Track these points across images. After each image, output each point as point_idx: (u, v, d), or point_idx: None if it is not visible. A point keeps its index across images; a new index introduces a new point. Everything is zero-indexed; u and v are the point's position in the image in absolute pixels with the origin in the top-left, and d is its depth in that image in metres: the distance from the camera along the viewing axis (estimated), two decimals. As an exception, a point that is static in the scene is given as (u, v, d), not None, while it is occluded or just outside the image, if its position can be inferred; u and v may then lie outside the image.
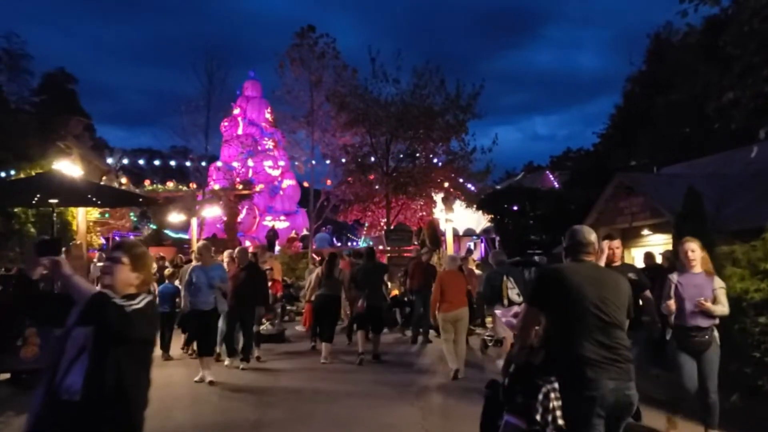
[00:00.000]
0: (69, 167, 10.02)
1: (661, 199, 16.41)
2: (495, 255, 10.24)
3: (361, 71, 21.16)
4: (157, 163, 27.58)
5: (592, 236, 3.77)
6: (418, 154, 21.17)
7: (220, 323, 9.77)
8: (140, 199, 11.75)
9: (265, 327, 12.23)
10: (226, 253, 11.16)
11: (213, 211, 22.75)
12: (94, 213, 13.33)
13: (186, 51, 29.27)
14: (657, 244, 17.36)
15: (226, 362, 10.03)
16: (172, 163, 26.45)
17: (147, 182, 25.69)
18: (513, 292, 8.76)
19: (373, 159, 21.05)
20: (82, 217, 10.85)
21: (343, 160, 21.99)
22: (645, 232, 17.81)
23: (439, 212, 20.66)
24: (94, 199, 8.99)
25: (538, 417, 3.84)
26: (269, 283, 12.10)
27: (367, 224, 24.29)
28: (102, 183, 11.09)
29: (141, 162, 27.37)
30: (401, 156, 21.29)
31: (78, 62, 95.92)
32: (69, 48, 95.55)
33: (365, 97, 20.30)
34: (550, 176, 39.75)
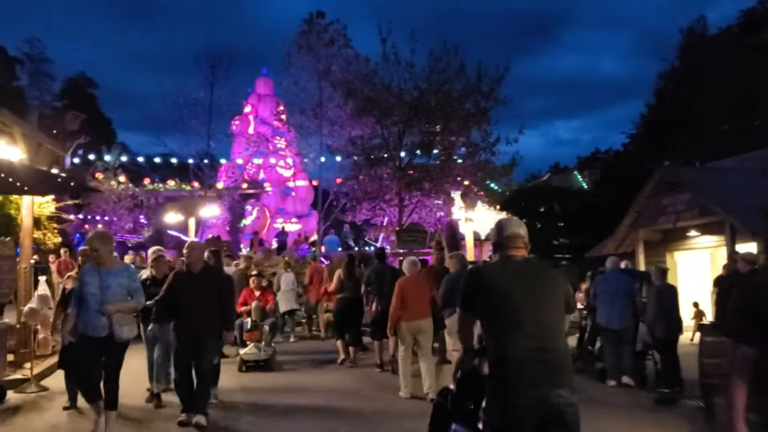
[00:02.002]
0: (5, 149, 8.28)
1: (712, 196, 15.01)
2: (458, 259, 9.30)
3: (373, 59, 19.34)
4: (157, 160, 26.04)
5: (522, 230, 3.55)
6: (434, 148, 19.13)
7: (156, 353, 7.49)
8: (72, 184, 9.78)
9: (249, 350, 9.95)
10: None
11: (212, 211, 21.06)
12: (50, 206, 11.43)
13: (202, 56, 28.79)
14: (706, 246, 16.09)
15: (181, 417, 6.62)
16: (174, 160, 24.90)
17: (147, 180, 24.21)
18: None
19: (384, 153, 19.06)
20: (27, 210, 9.00)
21: (355, 158, 20.06)
22: (692, 233, 16.32)
23: (457, 211, 18.68)
24: (18, 184, 7.20)
25: (480, 425, 3.57)
26: (257, 294, 10.55)
27: (385, 223, 22.22)
28: (55, 171, 9.28)
29: (140, 159, 25.79)
30: (415, 149, 19.27)
31: (98, 68, 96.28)
32: (89, 54, 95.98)
33: (374, 82, 18.36)
34: (579, 177, 38.46)
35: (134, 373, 7.71)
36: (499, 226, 3.59)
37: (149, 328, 7.18)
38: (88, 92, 52.16)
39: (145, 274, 8.15)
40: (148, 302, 6.95)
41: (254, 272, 11.06)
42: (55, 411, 7.25)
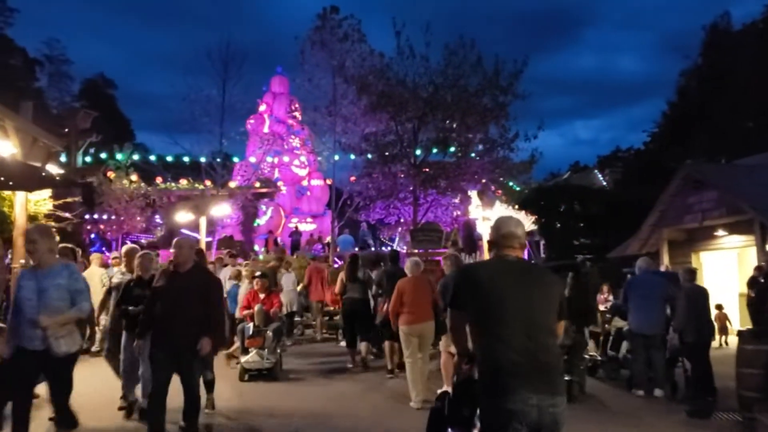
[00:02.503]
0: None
1: (740, 194, 14.45)
2: (454, 260, 8.91)
3: (387, 55, 18.77)
4: (170, 159, 25.72)
5: (519, 229, 3.42)
6: (450, 144, 18.52)
7: (141, 367, 6.55)
8: (58, 180, 9.35)
9: (251, 357, 9.21)
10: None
11: (223, 210, 20.61)
12: (47, 204, 11.00)
13: (215, 52, 28.53)
14: (733, 246, 15.57)
15: None
16: (186, 159, 24.54)
17: (159, 179, 23.90)
18: None
19: (398, 150, 18.49)
20: (21, 207, 8.60)
21: (369, 156, 19.51)
22: (719, 232, 15.75)
23: (474, 209, 18.10)
24: (2, 179, 6.78)
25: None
26: (262, 296, 9.76)
27: (401, 220, 21.65)
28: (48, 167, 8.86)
29: (152, 158, 25.47)
30: (431, 145, 18.69)
31: (115, 68, 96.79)
32: (106, 55, 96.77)
33: (388, 77, 17.81)
34: (599, 176, 37.87)
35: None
36: (496, 223, 3.53)
37: (134, 343, 6.19)
38: (107, 93, 52.75)
39: (117, 276, 7.77)
40: (131, 307, 6.48)
41: (257, 273, 10.38)
42: None
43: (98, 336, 9.81)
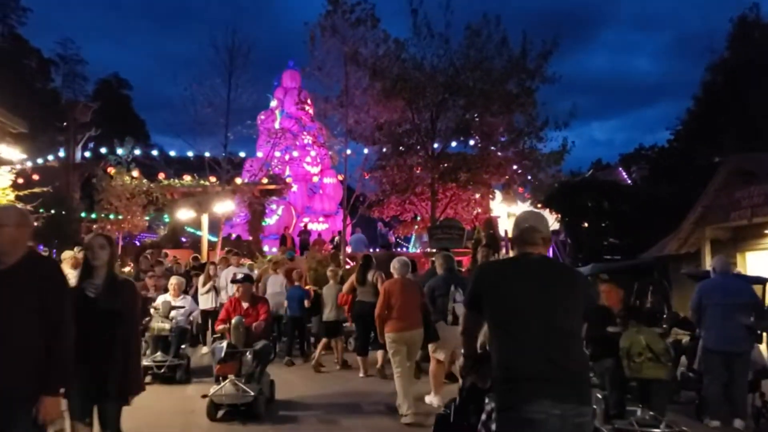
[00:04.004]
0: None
1: None
2: (444, 259, 8.22)
3: (403, 37, 17.34)
4: (173, 154, 24.56)
5: (541, 224, 3.23)
6: (472, 134, 17.05)
7: None
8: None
9: (225, 388, 7.00)
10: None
11: (226, 206, 19.36)
12: (8, 194, 9.68)
13: (220, 42, 28.00)
14: None
15: None
16: (190, 153, 23.37)
17: (162, 175, 22.71)
18: (460, 307, 6.84)
19: (414, 140, 17.06)
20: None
21: (383, 148, 18.08)
22: None
23: (497, 205, 16.71)
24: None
25: None
26: (246, 306, 7.73)
27: (417, 218, 20.24)
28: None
29: (154, 153, 24.28)
30: (450, 135, 17.21)
31: (128, 69, 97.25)
32: (122, 58, 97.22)
33: (404, 59, 16.40)
34: (623, 173, 36.87)
35: None
36: (517, 219, 3.39)
37: None
38: (122, 93, 52.90)
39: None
40: None
41: (239, 275, 8.61)
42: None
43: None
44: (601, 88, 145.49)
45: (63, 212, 22.45)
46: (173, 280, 10.11)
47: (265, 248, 23.99)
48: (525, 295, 2.99)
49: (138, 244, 23.54)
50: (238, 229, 25.81)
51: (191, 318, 10.62)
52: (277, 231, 26.61)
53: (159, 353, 9.16)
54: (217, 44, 20.81)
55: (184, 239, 24.87)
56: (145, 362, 8.47)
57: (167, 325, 9.24)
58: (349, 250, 20.97)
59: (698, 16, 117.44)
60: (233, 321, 7.44)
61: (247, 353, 7.25)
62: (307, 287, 14.38)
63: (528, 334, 2.91)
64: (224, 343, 7.26)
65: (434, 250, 14.62)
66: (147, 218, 23.03)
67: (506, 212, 14.69)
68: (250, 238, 24.03)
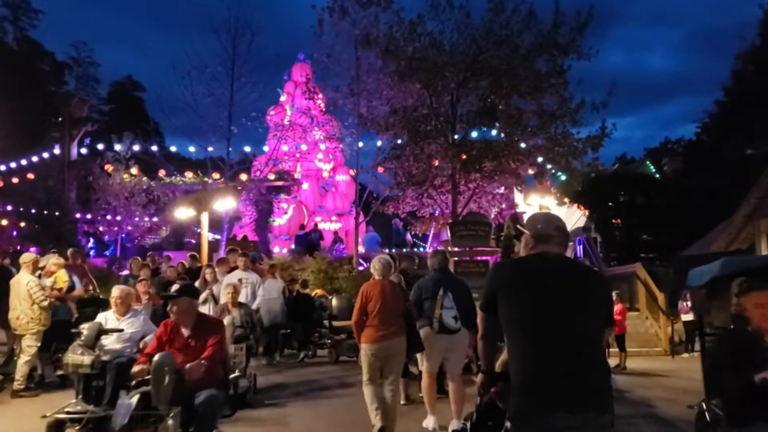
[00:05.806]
0: None
1: None
2: (436, 256, 7.44)
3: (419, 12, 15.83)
4: (173, 149, 23.42)
5: (559, 222, 3.11)
6: (497, 119, 15.43)
7: None
8: None
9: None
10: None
11: (227, 204, 17.99)
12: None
13: (221, 27, 27.83)
14: None
15: None
16: (191, 149, 22.17)
17: (162, 172, 21.50)
18: (449, 314, 6.50)
19: (433, 126, 15.49)
20: None
21: (396, 136, 16.54)
22: None
23: (523, 200, 15.11)
24: None
25: None
26: (187, 334, 5.14)
27: (436, 213, 18.72)
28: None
29: (154, 148, 22.97)
30: (472, 120, 15.62)
31: (139, 71, 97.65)
32: (134, 61, 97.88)
33: (420, 34, 14.88)
34: (650, 167, 35.90)
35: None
36: (533, 216, 3.31)
37: None
38: (135, 95, 53.31)
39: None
40: None
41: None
42: None
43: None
44: (617, 85, 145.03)
45: (57, 213, 21.56)
46: (115, 292, 6.68)
47: (275, 249, 22.90)
48: (542, 297, 2.83)
49: (146, 246, 22.49)
50: (246, 229, 24.66)
51: (142, 345, 6.36)
52: (289, 231, 25.47)
53: (77, 400, 5.91)
54: (218, 30, 19.70)
55: (192, 240, 23.76)
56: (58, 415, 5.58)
57: (87, 359, 5.90)
58: (362, 250, 19.61)
59: (710, 12, 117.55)
60: (155, 359, 4.61)
61: (168, 417, 4.33)
62: (314, 293, 13.27)
63: (546, 340, 2.76)
64: (135, 398, 4.51)
65: (456, 249, 13.06)
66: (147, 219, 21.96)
67: (538, 205, 13.08)
68: (257, 238, 22.78)
